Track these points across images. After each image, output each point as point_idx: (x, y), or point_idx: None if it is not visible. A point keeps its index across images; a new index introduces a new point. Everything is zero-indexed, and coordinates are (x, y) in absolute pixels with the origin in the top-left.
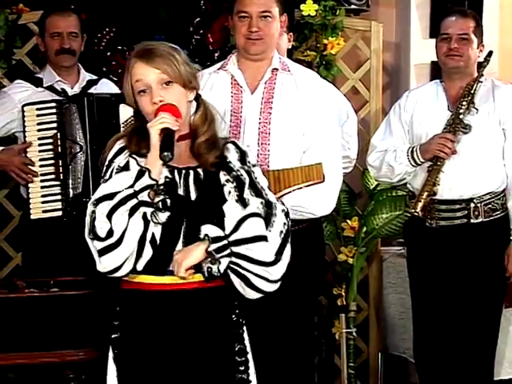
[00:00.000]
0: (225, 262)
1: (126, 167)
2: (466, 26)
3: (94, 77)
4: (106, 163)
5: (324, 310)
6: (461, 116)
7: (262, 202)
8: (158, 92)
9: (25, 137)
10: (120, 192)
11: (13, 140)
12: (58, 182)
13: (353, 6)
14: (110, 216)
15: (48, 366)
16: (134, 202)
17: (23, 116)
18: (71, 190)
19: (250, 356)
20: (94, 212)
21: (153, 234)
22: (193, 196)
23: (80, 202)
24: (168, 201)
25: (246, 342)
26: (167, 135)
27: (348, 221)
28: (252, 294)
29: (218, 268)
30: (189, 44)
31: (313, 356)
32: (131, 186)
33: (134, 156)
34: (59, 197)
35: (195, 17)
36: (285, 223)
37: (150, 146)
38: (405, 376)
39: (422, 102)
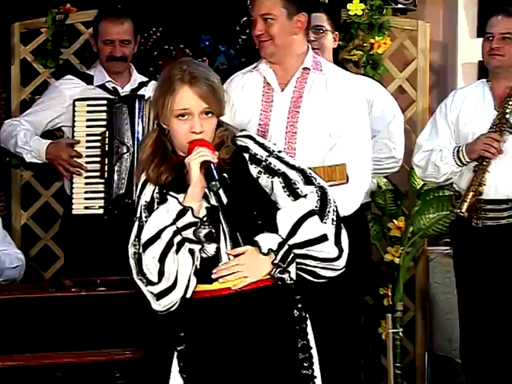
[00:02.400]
0: (293, 268)
1: (151, 202)
2: (509, 26)
3: (145, 78)
4: (136, 199)
5: (370, 310)
6: (507, 116)
7: (316, 190)
8: (199, 122)
9: (73, 131)
10: (163, 231)
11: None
12: (102, 180)
13: (400, 6)
14: (162, 260)
15: (95, 365)
16: (178, 239)
17: (74, 110)
18: (115, 190)
19: (313, 351)
20: (135, 254)
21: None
22: (224, 201)
23: (122, 202)
24: (213, 231)
25: (310, 336)
26: (209, 167)
27: (394, 220)
28: (319, 281)
29: (289, 277)
30: (235, 43)
31: (359, 356)
32: (173, 223)
33: (171, 194)
34: (102, 194)
35: (242, 16)
36: (334, 209)
37: (171, 169)
38: (451, 376)
39: (468, 101)
